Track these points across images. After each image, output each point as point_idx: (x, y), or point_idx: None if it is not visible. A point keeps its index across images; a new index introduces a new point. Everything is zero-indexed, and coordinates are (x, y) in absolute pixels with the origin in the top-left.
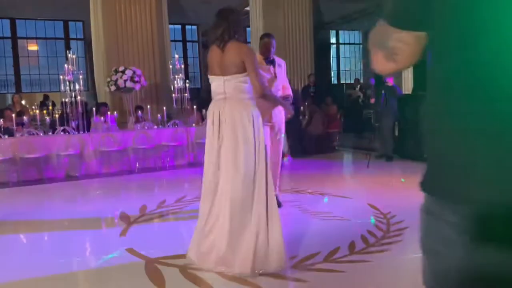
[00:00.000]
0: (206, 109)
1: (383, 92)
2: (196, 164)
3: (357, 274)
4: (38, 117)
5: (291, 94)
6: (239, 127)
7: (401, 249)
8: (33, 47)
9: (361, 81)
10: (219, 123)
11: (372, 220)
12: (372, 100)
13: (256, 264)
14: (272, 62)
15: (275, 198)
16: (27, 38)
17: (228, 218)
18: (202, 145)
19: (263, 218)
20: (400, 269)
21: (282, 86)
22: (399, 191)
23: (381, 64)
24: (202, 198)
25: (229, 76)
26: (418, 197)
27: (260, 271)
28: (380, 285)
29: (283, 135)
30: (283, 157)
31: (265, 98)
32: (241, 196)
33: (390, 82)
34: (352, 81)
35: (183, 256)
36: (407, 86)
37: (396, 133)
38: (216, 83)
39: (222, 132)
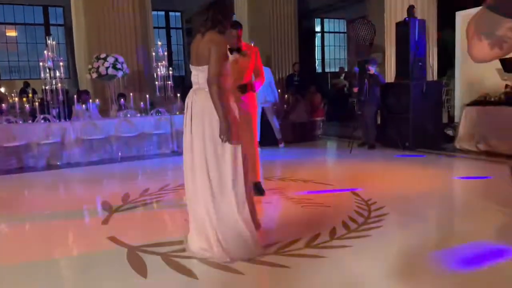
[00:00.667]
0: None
1: (366, 80)
2: (180, 152)
3: (337, 259)
4: (17, 105)
5: (259, 83)
6: (206, 120)
7: (381, 235)
8: (11, 33)
9: (346, 70)
10: (191, 115)
11: (354, 206)
12: (355, 89)
13: (232, 251)
14: (238, 51)
15: (244, 188)
16: (5, 23)
17: (203, 208)
18: None
19: (234, 208)
20: (381, 253)
21: (257, 73)
22: (380, 179)
23: (484, 51)
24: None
25: (201, 66)
26: (398, 184)
27: (238, 258)
28: (360, 270)
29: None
30: (278, 143)
31: (210, 93)
32: (209, 185)
33: (372, 70)
34: (337, 70)
35: (165, 244)
36: (390, 75)
37: (379, 121)
38: (193, 73)
39: (192, 124)
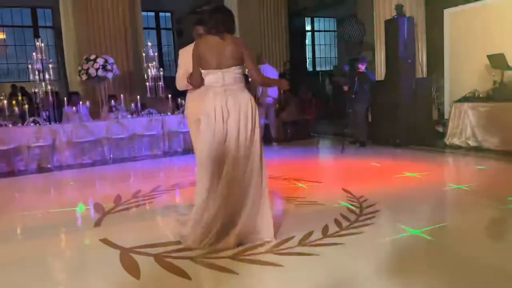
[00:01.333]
0: (182, 98)
1: (356, 78)
2: (171, 153)
3: (330, 257)
4: (6, 108)
5: None
6: (242, 114)
7: (373, 232)
8: None
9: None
10: (228, 112)
11: (345, 204)
12: (346, 88)
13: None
14: None
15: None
16: None
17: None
18: (177, 134)
19: (257, 197)
20: (373, 250)
21: None
22: (372, 176)
23: None
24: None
25: (227, 68)
26: (390, 180)
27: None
28: (353, 267)
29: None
30: (273, 141)
31: (266, 85)
32: (243, 176)
33: (361, 68)
34: (327, 69)
35: (157, 245)
36: (380, 72)
37: (369, 119)
38: (213, 75)
39: (230, 120)
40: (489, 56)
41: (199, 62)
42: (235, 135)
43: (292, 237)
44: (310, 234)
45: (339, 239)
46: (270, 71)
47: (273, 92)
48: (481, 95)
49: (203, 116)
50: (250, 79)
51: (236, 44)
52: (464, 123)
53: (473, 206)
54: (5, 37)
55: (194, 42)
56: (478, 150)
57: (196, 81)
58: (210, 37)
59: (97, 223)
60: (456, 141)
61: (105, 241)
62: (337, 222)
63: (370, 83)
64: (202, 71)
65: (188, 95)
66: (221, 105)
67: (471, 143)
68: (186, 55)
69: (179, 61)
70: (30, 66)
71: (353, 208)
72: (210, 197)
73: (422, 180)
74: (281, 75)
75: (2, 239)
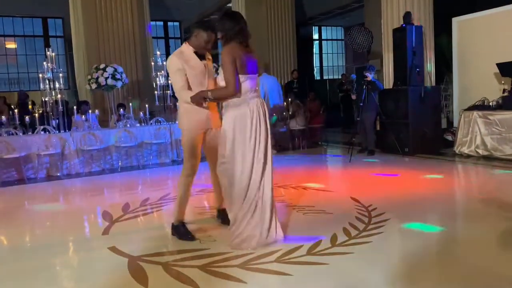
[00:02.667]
0: None
1: (364, 87)
2: (179, 161)
3: (339, 266)
4: (17, 117)
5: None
6: (267, 122)
7: (382, 240)
8: (11, 45)
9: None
10: (259, 121)
11: (354, 212)
12: (353, 96)
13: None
14: (203, 57)
15: None
16: (4, 36)
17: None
18: None
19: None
20: (381, 260)
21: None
22: (380, 184)
23: None
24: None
25: (257, 75)
26: (399, 189)
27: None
28: (361, 276)
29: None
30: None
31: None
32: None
33: (369, 77)
34: (335, 77)
35: (165, 254)
36: (388, 81)
37: (378, 127)
38: (252, 81)
39: (260, 129)
40: (498, 64)
41: (239, 68)
42: (265, 142)
43: (301, 246)
44: (318, 243)
45: (348, 248)
46: (268, 81)
47: (279, 100)
48: (491, 103)
49: (240, 127)
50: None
51: (257, 56)
52: (474, 132)
53: (484, 214)
54: (16, 46)
55: (223, 47)
56: (488, 159)
57: (236, 87)
58: (241, 46)
59: (105, 231)
60: (465, 149)
61: (113, 249)
62: (345, 231)
63: (377, 92)
64: (242, 76)
65: (190, 107)
66: (259, 110)
67: (481, 151)
68: (179, 62)
69: (176, 69)
70: (40, 75)
71: (362, 217)
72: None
73: (431, 189)
74: (289, 84)
75: (12, 248)
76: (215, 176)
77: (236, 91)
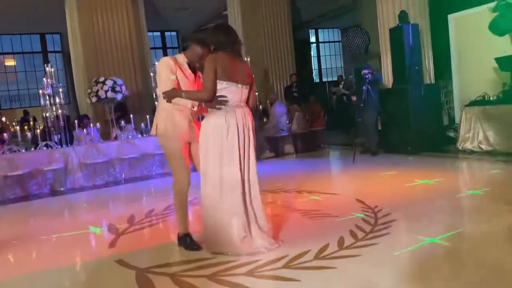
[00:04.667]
0: None
1: (364, 87)
2: None
3: (347, 269)
4: (19, 134)
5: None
6: (251, 131)
7: (390, 242)
8: (10, 62)
9: (344, 77)
10: (244, 130)
11: (360, 214)
12: (354, 98)
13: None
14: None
15: None
16: (3, 53)
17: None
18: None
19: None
20: (390, 261)
21: None
22: (385, 185)
23: None
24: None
25: (245, 86)
26: (404, 189)
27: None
28: (369, 278)
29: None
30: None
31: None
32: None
33: (367, 72)
34: (334, 79)
35: (173, 264)
36: (388, 81)
37: (379, 128)
38: (235, 89)
39: (247, 138)
40: (497, 59)
41: (219, 74)
42: (248, 149)
43: (308, 251)
44: (326, 247)
45: (355, 251)
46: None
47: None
48: (491, 98)
49: (224, 131)
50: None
51: (248, 68)
52: (476, 127)
53: (490, 211)
54: (15, 63)
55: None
56: (492, 154)
57: (213, 94)
58: (229, 55)
59: (112, 244)
60: (468, 145)
61: (121, 262)
62: (352, 234)
63: (378, 85)
64: (224, 83)
65: (174, 111)
66: (250, 120)
67: (484, 147)
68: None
69: (166, 65)
70: (40, 91)
71: (368, 218)
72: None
73: (437, 187)
74: (288, 88)
75: (18, 264)
76: None
77: (210, 97)
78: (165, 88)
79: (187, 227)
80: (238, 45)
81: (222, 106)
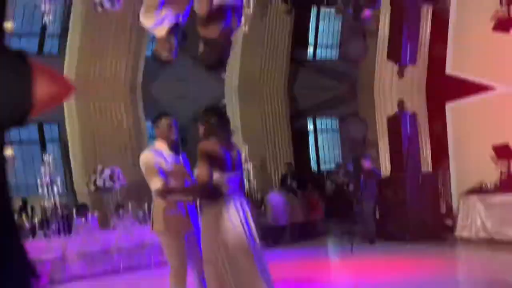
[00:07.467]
0: None
1: (361, 176)
2: None
3: None
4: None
5: None
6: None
7: None
8: (7, 151)
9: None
10: (238, 221)
11: None
12: (351, 187)
13: None
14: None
15: None
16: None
17: None
18: None
19: None
20: None
21: None
22: (384, 273)
23: None
24: None
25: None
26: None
27: None
28: None
29: None
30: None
31: None
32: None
33: (366, 165)
34: (332, 168)
35: None
36: (385, 169)
37: (377, 216)
38: (231, 179)
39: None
40: (494, 148)
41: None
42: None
43: None
44: None
45: None
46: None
47: None
48: (488, 186)
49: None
50: None
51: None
52: (473, 216)
53: None
54: (13, 153)
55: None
56: (490, 243)
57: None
58: (220, 140)
59: None
60: (466, 234)
61: None
62: None
63: (376, 179)
64: (218, 173)
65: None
66: (237, 212)
67: (482, 235)
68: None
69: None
70: (38, 180)
71: None
72: None
73: (436, 276)
74: (283, 178)
75: None
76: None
77: (207, 185)
78: (154, 187)
79: None
80: (228, 132)
81: None
